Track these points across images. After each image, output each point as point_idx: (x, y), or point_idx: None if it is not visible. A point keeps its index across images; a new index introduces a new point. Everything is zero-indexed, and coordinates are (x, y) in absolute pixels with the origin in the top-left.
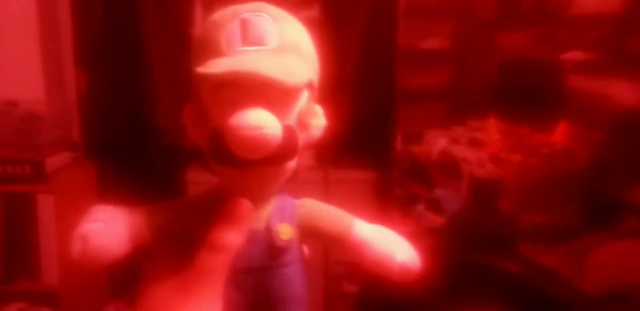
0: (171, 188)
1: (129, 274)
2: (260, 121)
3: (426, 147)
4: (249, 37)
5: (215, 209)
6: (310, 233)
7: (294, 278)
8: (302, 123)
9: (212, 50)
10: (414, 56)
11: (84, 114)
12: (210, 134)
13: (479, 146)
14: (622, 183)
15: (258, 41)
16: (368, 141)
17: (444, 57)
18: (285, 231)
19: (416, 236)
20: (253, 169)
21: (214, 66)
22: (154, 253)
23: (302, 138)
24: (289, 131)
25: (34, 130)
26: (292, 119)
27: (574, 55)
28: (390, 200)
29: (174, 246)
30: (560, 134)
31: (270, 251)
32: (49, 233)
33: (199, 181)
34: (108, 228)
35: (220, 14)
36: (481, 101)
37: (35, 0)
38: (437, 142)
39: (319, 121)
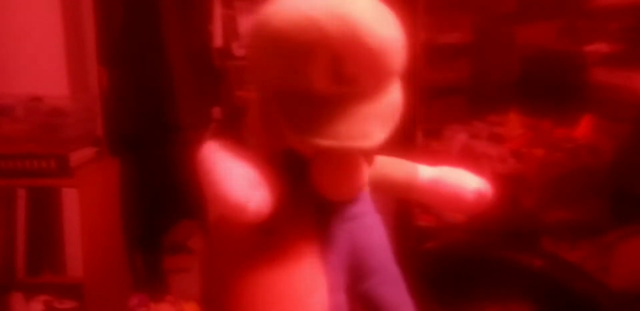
0: (190, 182)
1: (151, 266)
2: (357, 185)
3: (446, 143)
4: (343, 74)
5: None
6: (379, 183)
7: (375, 226)
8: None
9: (295, 77)
10: (433, 51)
11: (106, 109)
12: (285, 156)
13: (499, 141)
14: None
15: (353, 80)
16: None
17: (463, 52)
18: None
19: (438, 232)
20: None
21: (306, 125)
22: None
23: None
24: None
25: (58, 125)
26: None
27: (596, 47)
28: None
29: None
30: (583, 128)
31: (346, 202)
32: (73, 226)
33: None
34: (270, 181)
35: (303, 31)
36: (502, 96)
37: None
38: (457, 138)
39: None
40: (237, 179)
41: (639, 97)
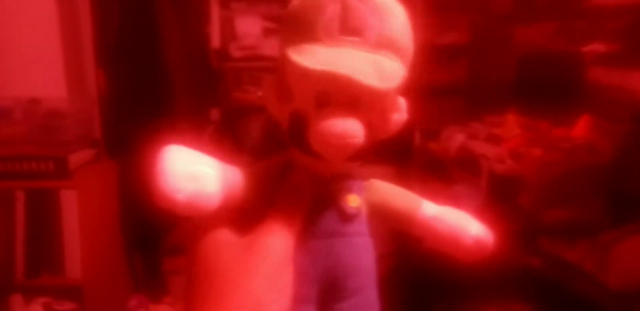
0: None
1: (150, 268)
2: (347, 131)
3: (444, 144)
4: (348, 25)
5: (284, 179)
6: (378, 209)
7: (363, 249)
8: (384, 117)
9: (306, 31)
10: (431, 52)
11: (104, 111)
12: (291, 117)
13: (497, 142)
14: None
15: (358, 32)
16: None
17: (461, 52)
18: (354, 200)
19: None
20: (327, 160)
21: (309, 57)
22: (226, 215)
23: (380, 133)
24: (371, 132)
25: (56, 127)
26: (375, 115)
27: (594, 47)
28: None
29: (247, 211)
30: (581, 127)
31: (339, 218)
32: (72, 228)
33: None
34: (217, 177)
35: None
36: (499, 96)
37: (56, 1)
38: (455, 138)
39: (400, 115)
40: (174, 172)
41: (637, 97)
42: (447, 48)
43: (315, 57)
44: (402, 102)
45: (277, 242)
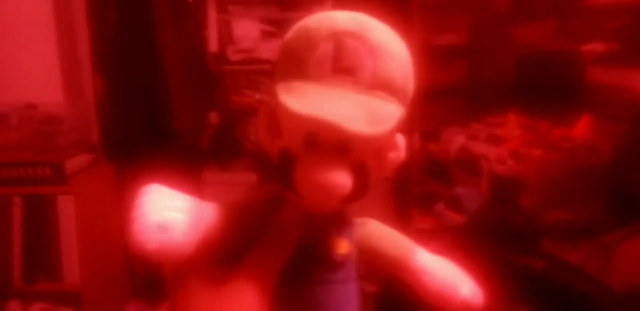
0: (188, 188)
1: (149, 274)
2: (332, 183)
3: (444, 145)
4: (341, 64)
5: (272, 213)
6: (368, 253)
7: (349, 297)
8: (379, 157)
9: (298, 67)
10: (430, 52)
11: (102, 116)
12: (280, 154)
13: (498, 142)
14: None
15: (350, 71)
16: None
17: (460, 53)
18: (343, 246)
19: (436, 234)
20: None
21: (297, 99)
22: (205, 257)
23: (376, 173)
24: (362, 174)
25: (53, 132)
26: (368, 156)
27: (593, 47)
28: (409, 198)
29: (230, 248)
30: (581, 127)
31: (325, 265)
32: (70, 233)
33: (215, 181)
34: (190, 223)
35: (315, 26)
36: (499, 96)
37: (52, 6)
38: (456, 140)
39: (398, 153)
40: (144, 223)
41: (637, 96)
42: (446, 49)
43: (304, 99)
44: (400, 140)
45: (252, 286)
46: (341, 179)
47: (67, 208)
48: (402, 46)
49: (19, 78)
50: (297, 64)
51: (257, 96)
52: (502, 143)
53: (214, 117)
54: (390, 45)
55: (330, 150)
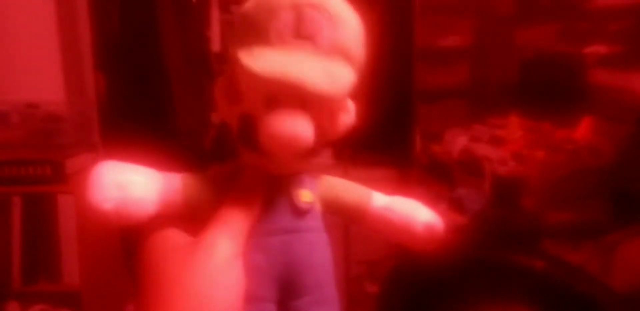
0: None
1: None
2: (296, 130)
3: (447, 146)
4: (301, 30)
5: (235, 180)
6: (330, 203)
7: (319, 244)
8: (333, 119)
9: (259, 35)
10: (433, 54)
11: (103, 116)
12: (241, 118)
13: (500, 144)
14: None
15: (310, 37)
16: (387, 140)
17: (463, 55)
18: (306, 195)
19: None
20: (278, 159)
21: (259, 61)
22: (169, 220)
23: (329, 133)
24: (320, 132)
25: (54, 131)
26: (324, 117)
27: (596, 49)
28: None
29: (196, 216)
30: (583, 129)
31: (293, 214)
32: (69, 233)
33: None
34: (147, 183)
35: None
36: (502, 98)
37: (54, 4)
38: (458, 141)
39: (349, 116)
40: (100, 183)
41: (639, 98)
42: (449, 51)
43: (266, 62)
44: (351, 105)
45: (222, 240)
46: (304, 128)
47: (67, 207)
48: (356, 18)
49: (20, 76)
50: (258, 31)
51: None
52: (505, 145)
53: (216, 117)
54: (346, 16)
55: (289, 107)
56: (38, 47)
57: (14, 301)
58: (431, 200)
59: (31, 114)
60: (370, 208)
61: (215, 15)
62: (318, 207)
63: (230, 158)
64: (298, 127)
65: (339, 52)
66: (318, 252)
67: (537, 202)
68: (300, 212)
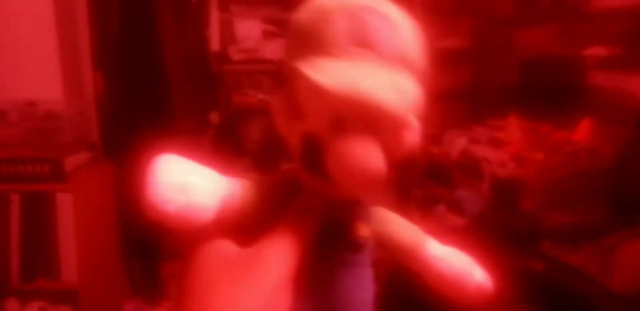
0: None
1: (148, 271)
2: (370, 163)
3: (446, 148)
4: (360, 37)
5: (291, 197)
6: (382, 239)
7: (365, 281)
8: (399, 138)
9: (316, 45)
10: (432, 56)
11: (102, 114)
12: (304, 139)
13: (499, 146)
14: None
15: (370, 44)
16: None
17: (463, 56)
18: (364, 228)
19: (437, 235)
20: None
21: (325, 74)
22: (223, 228)
23: (396, 156)
24: (390, 158)
25: (53, 130)
26: (392, 137)
27: (595, 51)
28: (409, 201)
29: (248, 226)
30: (582, 131)
31: (348, 247)
32: (68, 231)
33: None
34: (209, 187)
35: (328, 2)
36: (501, 100)
37: (53, 3)
38: (457, 142)
39: (414, 135)
40: (164, 183)
41: (638, 101)
42: (449, 52)
43: (332, 75)
44: (414, 121)
45: (280, 259)
46: (377, 160)
47: (65, 206)
48: (409, 20)
49: (19, 75)
50: (315, 41)
51: (259, 96)
52: (504, 146)
53: (215, 117)
54: (401, 19)
55: (360, 131)
56: (37, 46)
57: (12, 298)
58: (430, 201)
59: (30, 112)
60: (424, 254)
61: (214, 15)
62: (372, 240)
63: (229, 159)
64: (372, 159)
65: (401, 60)
66: (364, 288)
67: (536, 204)
68: (355, 246)
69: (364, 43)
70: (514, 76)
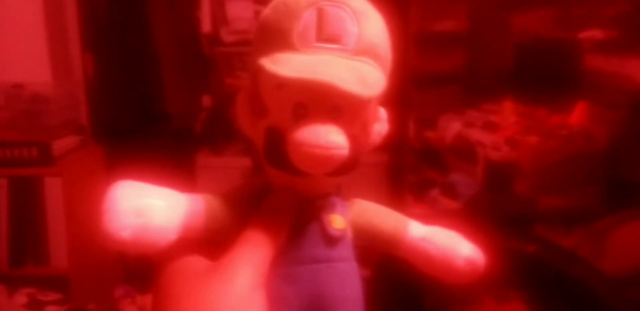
0: (180, 172)
1: (139, 258)
2: (329, 142)
3: (440, 132)
4: (325, 32)
5: (261, 203)
6: (362, 230)
7: (350, 275)
8: (366, 128)
9: (281, 40)
10: (428, 39)
11: (91, 97)
12: (267, 133)
13: (493, 129)
14: None
15: (335, 38)
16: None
17: (458, 40)
18: (338, 221)
19: (430, 219)
20: (308, 177)
21: (284, 65)
22: (190, 245)
23: (362, 146)
24: (355, 144)
25: (40, 112)
26: (357, 127)
27: (591, 34)
28: (403, 185)
29: (217, 240)
30: (577, 115)
31: (323, 242)
32: (57, 216)
33: (208, 165)
34: (168, 208)
35: None
36: (496, 84)
37: None
38: (452, 126)
39: (382, 126)
40: (117, 210)
41: (634, 84)
42: (445, 35)
43: (292, 66)
44: (383, 112)
45: (243, 269)
46: (337, 138)
47: (54, 190)
48: (377, 13)
49: (5, 57)
50: (279, 36)
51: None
52: (498, 130)
53: (207, 100)
54: (369, 12)
55: (321, 116)
56: (24, 27)
57: (1, 284)
58: (424, 185)
59: (17, 94)
60: (407, 237)
61: None
62: (350, 234)
63: (220, 142)
64: (332, 136)
65: (367, 51)
66: (349, 284)
67: (530, 187)
68: (331, 240)
69: (328, 36)
70: (509, 59)
